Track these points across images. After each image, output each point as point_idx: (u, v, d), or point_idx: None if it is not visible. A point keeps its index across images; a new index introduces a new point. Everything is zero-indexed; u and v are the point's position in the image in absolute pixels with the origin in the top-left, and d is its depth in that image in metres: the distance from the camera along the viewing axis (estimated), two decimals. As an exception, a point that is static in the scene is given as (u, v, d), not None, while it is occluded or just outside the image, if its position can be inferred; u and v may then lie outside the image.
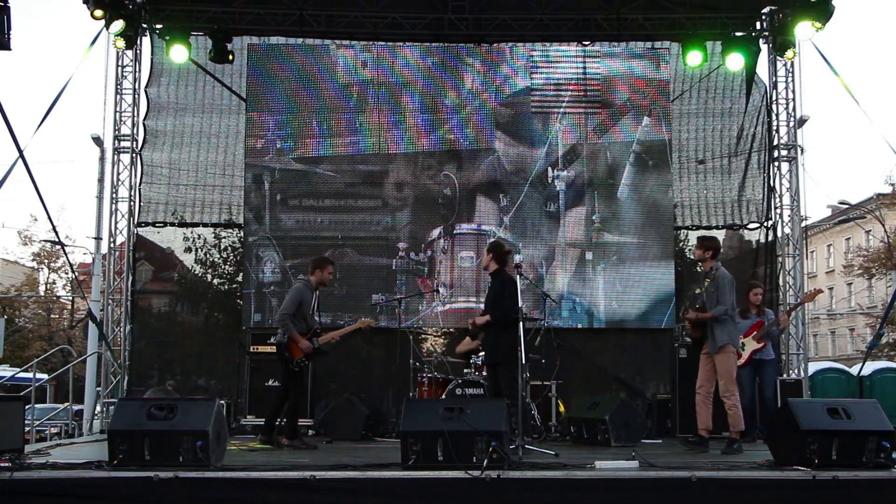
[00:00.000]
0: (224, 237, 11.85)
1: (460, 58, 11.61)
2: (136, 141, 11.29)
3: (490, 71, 11.59)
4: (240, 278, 11.62)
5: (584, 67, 11.67)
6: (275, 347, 8.27)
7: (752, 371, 9.12)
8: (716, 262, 7.71)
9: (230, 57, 11.12)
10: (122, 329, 11.00)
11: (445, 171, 11.44)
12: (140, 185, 11.32)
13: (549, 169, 11.45)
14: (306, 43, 11.69)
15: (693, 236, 11.96)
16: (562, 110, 11.56)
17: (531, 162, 11.45)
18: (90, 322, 12.62)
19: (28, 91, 70.44)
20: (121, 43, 10.67)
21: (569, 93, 11.60)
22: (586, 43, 11.77)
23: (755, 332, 9.04)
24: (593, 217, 11.40)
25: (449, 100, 11.54)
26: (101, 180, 14.87)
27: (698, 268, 11.70)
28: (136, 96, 11.28)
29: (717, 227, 11.80)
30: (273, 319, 10.43)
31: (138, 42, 11.15)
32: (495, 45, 11.64)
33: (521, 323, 6.83)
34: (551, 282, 11.20)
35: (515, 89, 11.56)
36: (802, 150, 11.64)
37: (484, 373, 8.72)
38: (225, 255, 11.93)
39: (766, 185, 11.58)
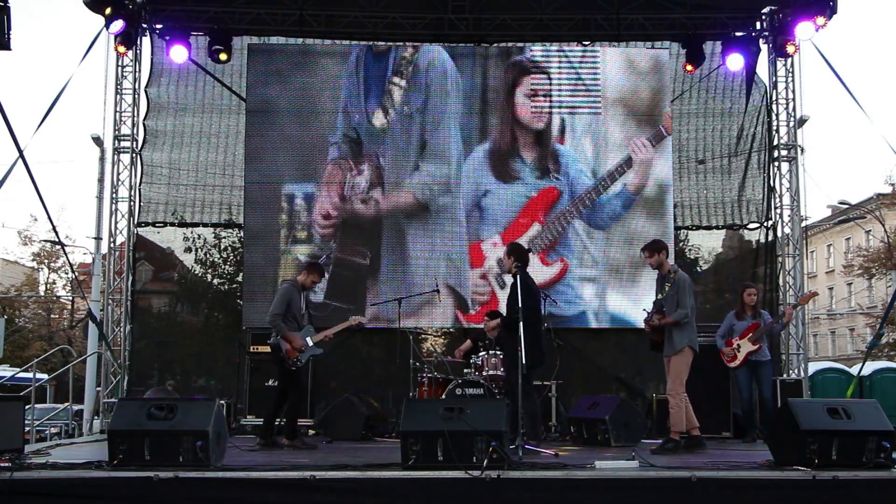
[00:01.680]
0: (224, 237, 11.85)
1: (464, 58, 11.55)
2: (136, 141, 11.29)
3: (489, 71, 11.53)
4: (240, 278, 11.62)
5: (585, 68, 11.65)
6: (270, 349, 8.26)
7: (749, 372, 9.12)
8: (673, 265, 7.73)
9: (223, 57, 11.11)
10: (122, 329, 11.00)
11: (445, 170, 11.41)
12: (140, 185, 11.32)
13: (550, 169, 11.43)
14: (306, 43, 11.68)
15: (693, 236, 11.98)
16: (561, 111, 11.54)
17: (532, 162, 11.43)
18: (90, 322, 12.62)
19: (28, 91, 70.49)
20: (122, 48, 10.70)
21: (568, 93, 11.58)
22: (586, 43, 11.76)
23: (751, 334, 9.04)
24: (593, 217, 11.38)
25: (453, 100, 11.48)
26: (101, 180, 14.86)
27: (698, 268, 11.75)
28: (136, 96, 11.28)
29: (717, 227, 11.82)
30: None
31: (138, 42, 11.15)
32: (495, 45, 11.63)
33: (520, 324, 6.82)
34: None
35: (511, 89, 11.51)
36: (802, 150, 11.66)
37: (484, 373, 8.73)
38: (225, 255, 11.93)
39: (766, 185, 11.58)
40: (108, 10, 9.94)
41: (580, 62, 11.62)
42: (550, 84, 11.52)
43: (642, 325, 7.97)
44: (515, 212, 11.35)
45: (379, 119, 11.37)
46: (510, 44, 11.66)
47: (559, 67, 11.56)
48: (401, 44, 11.49)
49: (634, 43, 11.70)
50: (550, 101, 11.49)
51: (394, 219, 11.30)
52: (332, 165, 11.33)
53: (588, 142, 11.47)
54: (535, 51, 11.60)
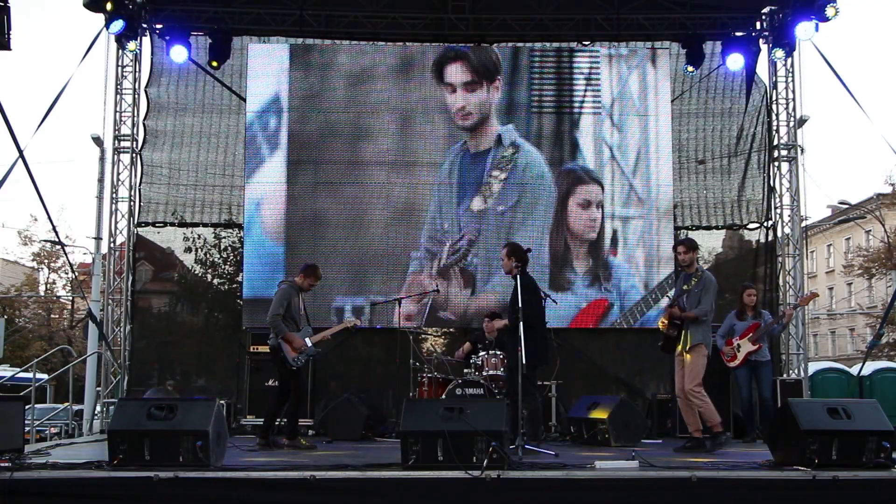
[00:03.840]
0: (224, 237, 11.85)
1: (465, 58, 11.54)
2: (136, 141, 11.29)
3: (489, 71, 11.54)
4: (240, 278, 11.61)
5: (584, 67, 11.65)
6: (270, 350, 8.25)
7: (748, 372, 9.12)
8: (700, 265, 7.73)
9: (215, 64, 11.09)
10: (122, 329, 11.00)
11: (447, 168, 11.41)
12: (140, 185, 11.32)
13: (550, 168, 11.42)
14: (306, 43, 11.68)
15: (693, 236, 11.93)
16: (561, 111, 11.54)
17: (531, 163, 11.42)
18: (90, 322, 12.61)
19: (28, 91, 70.49)
20: (133, 45, 10.73)
21: (568, 93, 11.58)
22: (586, 43, 11.77)
23: (751, 334, 9.04)
24: (594, 217, 11.38)
25: (453, 101, 11.49)
26: (101, 180, 14.86)
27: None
28: (136, 96, 11.28)
29: (717, 227, 11.81)
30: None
31: (138, 42, 11.14)
32: (495, 44, 11.64)
33: (520, 324, 6.85)
34: (551, 281, 11.18)
35: (514, 90, 11.53)
36: (802, 150, 11.65)
37: (484, 373, 8.73)
38: (225, 255, 11.93)
39: (766, 185, 11.57)
40: (108, 7, 9.88)
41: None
42: (603, 194, 11.43)
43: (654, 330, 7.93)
44: (566, 322, 11.20)
45: (478, 204, 11.29)
46: (510, 44, 11.66)
47: (610, 179, 11.42)
48: (501, 145, 11.40)
49: (634, 43, 11.70)
50: (602, 211, 11.40)
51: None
52: (413, 278, 11.19)
53: (640, 253, 11.36)
54: (590, 159, 11.45)
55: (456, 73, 11.53)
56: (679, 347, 7.51)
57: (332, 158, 11.40)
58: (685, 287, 7.58)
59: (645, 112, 11.52)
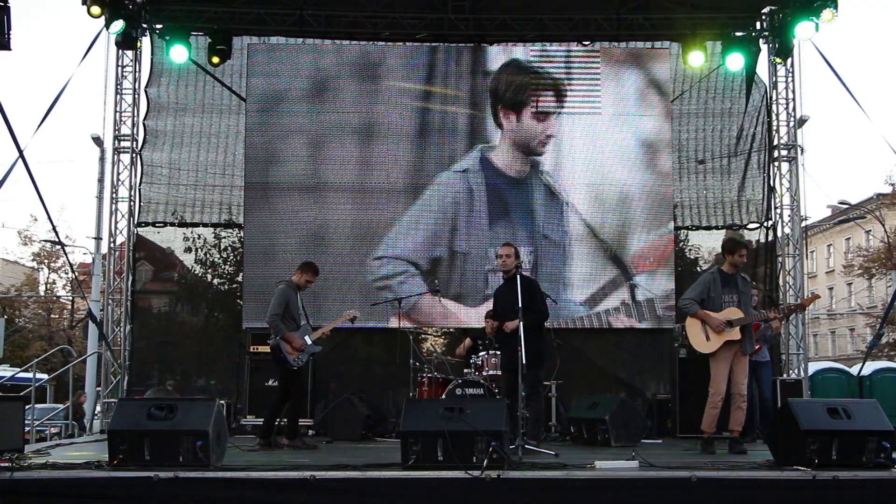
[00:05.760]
0: (224, 237, 11.84)
1: (461, 57, 11.57)
2: (136, 141, 11.29)
3: (489, 71, 11.54)
4: (240, 278, 11.61)
5: (584, 67, 11.65)
6: (270, 350, 8.25)
7: (749, 372, 9.08)
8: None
9: (216, 60, 11.10)
10: (122, 329, 11.00)
11: (451, 169, 11.43)
12: (140, 185, 11.32)
13: (550, 168, 11.42)
14: (306, 43, 11.69)
15: (693, 236, 11.96)
16: (562, 111, 11.54)
17: (530, 163, 11.43)
18: (90, 322, 12.63)
19: (28, 91, 70.47)
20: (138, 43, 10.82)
21: (569, 93, 11.58)
22: (586, 43, 11.76)
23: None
24: (593, 216, 11.38)
25: (451, 100, 11.50)
26: (101, 180, 14.89)
27: (698, 268, 11.74)
28: (136, 96, 11.28)
29: (717, 227, 11.79)
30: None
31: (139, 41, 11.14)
32: (495, 44, 11.63)
33: (520, 324, 6.87)
34: (550, 280, 11.18)
35: (514, 89, 11.53)
36: (802, 150, 11.65)
37: (484, 373, 8.72)
38: (225, 255, 11.93)
39: (766, 185, 11.57)
40: (96, 10, 9.79)
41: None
42: None
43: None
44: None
45: (547, 230, 11.35)
46: (510, 44, 11.66)
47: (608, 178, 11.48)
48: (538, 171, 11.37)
49: (634, 43, 11.70)
50: None
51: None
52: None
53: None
54: (588, 159, 11.46)
55: (553, 98, 11.54)
56: (732, 348, 7.36)
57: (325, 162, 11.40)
58: (734, 295, 7.38)
59: (644, 112, 11.53)
